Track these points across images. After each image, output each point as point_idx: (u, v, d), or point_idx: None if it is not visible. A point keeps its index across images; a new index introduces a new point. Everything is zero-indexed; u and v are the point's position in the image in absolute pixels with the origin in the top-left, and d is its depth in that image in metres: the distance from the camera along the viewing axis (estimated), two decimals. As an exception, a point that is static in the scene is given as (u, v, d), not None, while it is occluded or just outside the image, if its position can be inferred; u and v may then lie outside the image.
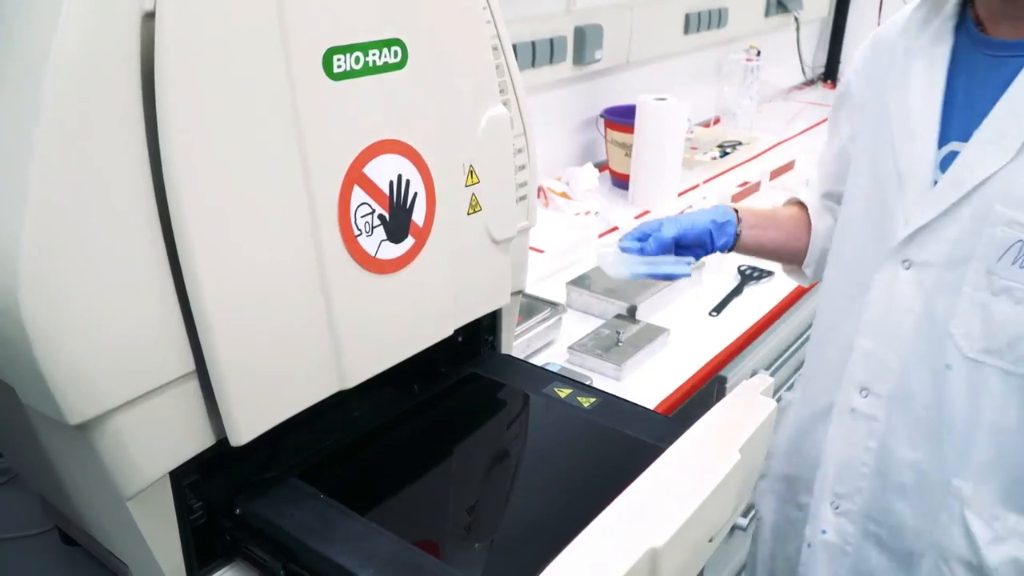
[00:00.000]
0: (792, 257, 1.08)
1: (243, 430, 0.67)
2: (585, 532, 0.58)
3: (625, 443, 0.82)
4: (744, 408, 0.72)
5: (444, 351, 0.88)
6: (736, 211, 1.01)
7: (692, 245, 0.97)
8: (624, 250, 0.94)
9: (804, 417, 1.02)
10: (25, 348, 0.55)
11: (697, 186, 1.89)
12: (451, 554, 0.71)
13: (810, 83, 2.99)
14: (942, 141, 0.82)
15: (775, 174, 2.05)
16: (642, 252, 0.93)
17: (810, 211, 1.06)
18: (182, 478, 0.68)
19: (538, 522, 0.74)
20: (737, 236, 1.00)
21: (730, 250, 1.01)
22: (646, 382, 1.19)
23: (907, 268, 0.85)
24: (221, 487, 0.73)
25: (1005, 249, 0.77)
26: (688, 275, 0.93)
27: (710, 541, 0.68)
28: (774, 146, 2.35)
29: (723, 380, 1.40)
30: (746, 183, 1.98)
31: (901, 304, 0.86)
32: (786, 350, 1.64)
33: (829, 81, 2.99)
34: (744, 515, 1.59)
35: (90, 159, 0.54)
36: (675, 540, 0.58)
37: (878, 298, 0.88)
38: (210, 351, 0.63)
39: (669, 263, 0.93)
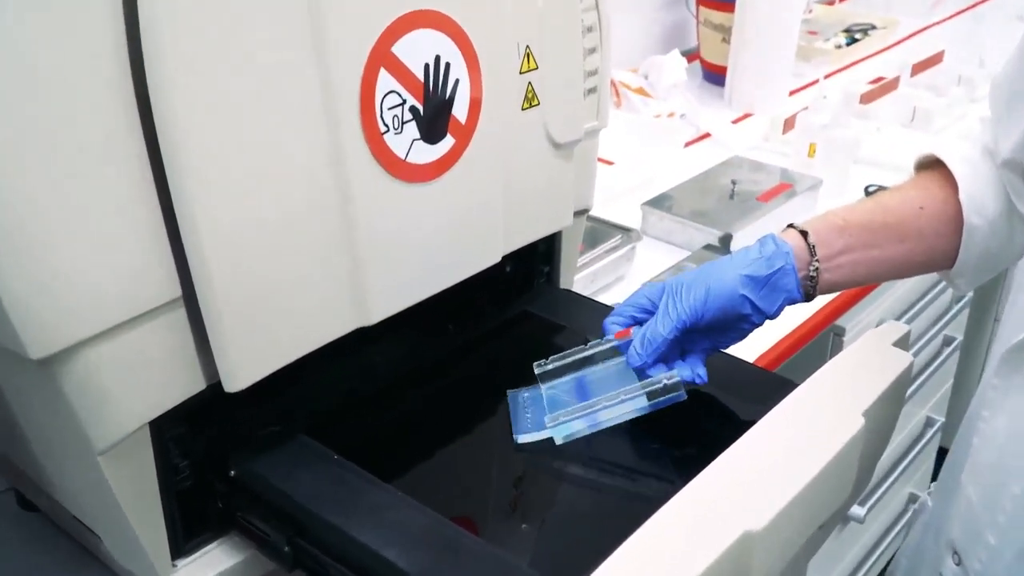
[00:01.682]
0: (929, 268, 0.87)
1: (240, 373, 0.68)
2: (664, 511, 0.58)
3: (716, 403, 0.82)
4: (870, 362, 0.71)
5: (489, 284, 0.88)
6: (804, 235, 0.81)
7: (716, 328, 0.81)
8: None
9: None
10: (-24, 265, 0.56)
11: (815, 82, 1.85)
12: (494, 533, 0.73)
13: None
14: None
15: (918, 68, 1.99)
16: (638, 362, 0.80)
17: (964, 195, 0.83)
18: (165, 430, 0.70)
19: (603, 499, 0.76)
20: (813, 279, 0.82)
21: (808, 299, 0.83)
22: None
23: None
24: (213, 443, 0.75)
25: None
26: (669, 400, 0.78)
27: (820, 528, 0.68)
28: (917, 32, 2.28)
29: (840, 332, 1.39)
30: (880, 79, 1.93)
31: None
32: (924, 295, 1.62)
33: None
34: (862, 504, 1.61)
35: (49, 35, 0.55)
36: (777, 523, 0.58)
37: None
38: (201, 274, 0.64)
39: (616, 402, 0.78)
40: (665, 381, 0.78)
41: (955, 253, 0.84)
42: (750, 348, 1.15)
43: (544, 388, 0.83)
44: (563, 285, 1.01)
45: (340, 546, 0.69)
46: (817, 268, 0.81)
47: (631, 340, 0.81)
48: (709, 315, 0.79)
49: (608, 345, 0.83)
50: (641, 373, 0.81)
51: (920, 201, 0.83)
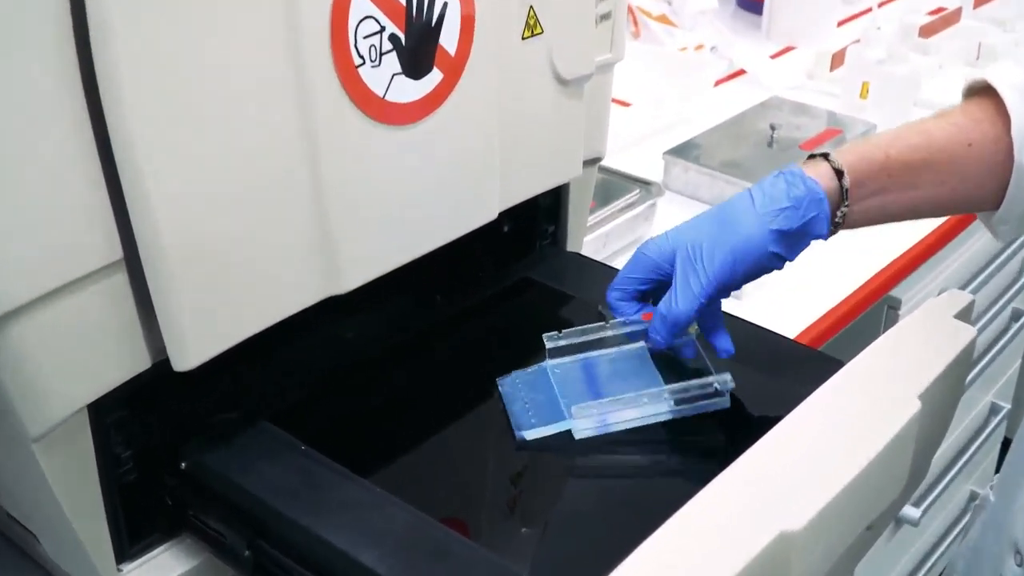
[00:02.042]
0: (968, 209, 0.91)
1: (192, 349, 0.68)
2: (687, 509, 0.59)
3: (750, 385, 0.82)
4: (928, 337, 0.72)
5: (483, 246, 0.88)
6: (840, 173, 0.82)
7: (734, 285, 0.83)
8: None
9: None
10: None
11: (868, 11, 1.84)
12: (490, 537, 0.73)
13: None
14: None
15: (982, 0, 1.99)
16: (661, 344, 0.81)
17: (1016, 131, 0.83)
18: (106, 415, 0.70)
19: (617, 497, 0.76)
20: (838, 224, 0.84)
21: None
22: (781, 302, 1.19)
23: None
24: (161, 431, 0.75)
25: None
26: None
27: (868, 529, 0.68)
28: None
29: (895, 304, 1.39)
30: (940, 10, 1.92)
31: None
32: (990, 262, 1.62)
33: None
34: (917, 504, 1.62)
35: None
36: (818, 523, 0.58)
37: None
38: (145, 233, 0.63)
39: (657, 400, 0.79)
40: (717, 386, 0.79)
41: (1002, 195, 0.84)
42: (790, 322, 1.16)
43: (550, 367, 0.83)
44: (570, 248, 1.01)
45: (309, 550, 0.69)
46: (846, 213, 0.83)
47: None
48: (737, 281, 0.80)
49: (630, 328, 0.83)
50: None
51: (969, 136, 0.83)
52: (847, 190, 0.81)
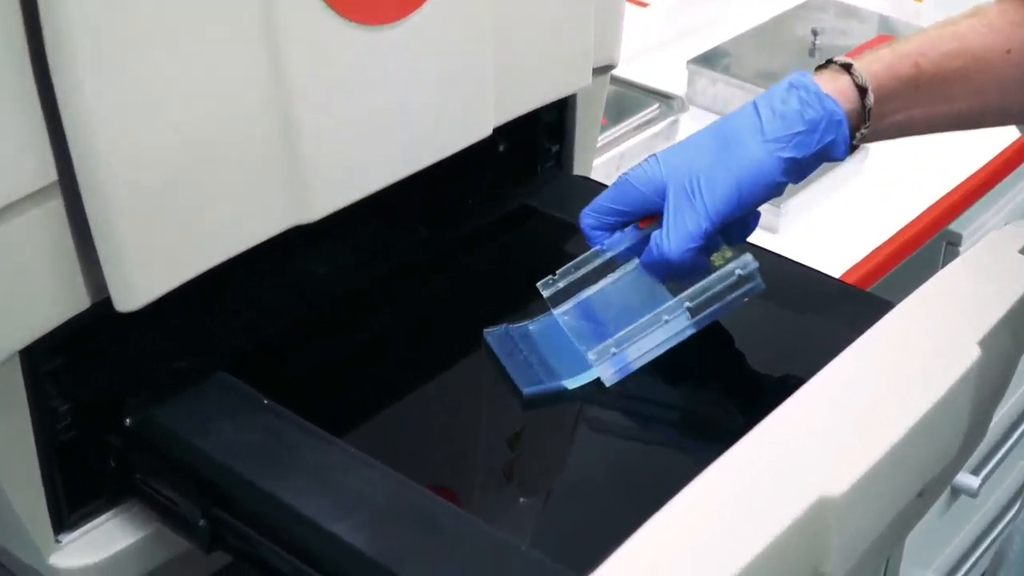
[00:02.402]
0: (1001, 123, 0.94)
1: (138, 287, 0.68)
2: (712, 471, 0.59)
3: (787, 329, 0.83)
4: (989, 275, 0.72)
5: (476, 168, 0.88)
6: (863, 91, 0.82)
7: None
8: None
9: None
10: None
11: None
12: (484, 506, 0.74)
13: None
14: None
15: None
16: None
17: None
18: (40, 363, 0.70)
19: (631, 460, 0.77)
20: (855, 147, 0.85)
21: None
22: (823, 236, 1.20)
23: None
24: (103, 382, 0.75)
25: None
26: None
27: (919, 496, 0.69)
28: None
29: (954, 239, 1.40)
30: None
31: None
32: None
33: None
34: (976, 472, 1.62)
35: None
36: (861, 488, 0.58)
37: None
38: (84, 151, 0.63)
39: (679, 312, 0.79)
40: (739, 271, 0.79)
41: None
42: (835, 260, 1.16)
43: (559, 314, 0.83)
44: (578, 171, 1.01)
45: (273, 519, 0.69)
46: (865, 134, 0.83)
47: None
48: (740, 215, 0.81)
49: (626, 245, 0.82)
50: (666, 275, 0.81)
51: (1008, 41, 0.84)
52: (870, 110, 0.82)
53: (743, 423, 0.63)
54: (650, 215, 0.81)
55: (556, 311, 0.83)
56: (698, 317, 0.79)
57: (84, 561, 0.76)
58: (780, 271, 0.85)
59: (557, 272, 0.83)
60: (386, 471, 0.71)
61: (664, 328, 0.79)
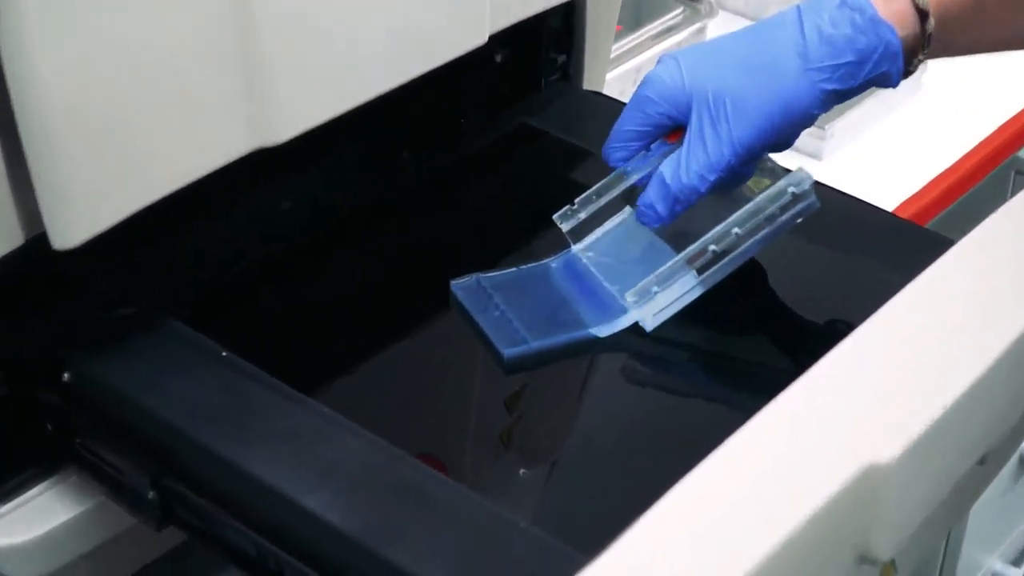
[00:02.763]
0: None
1: (77, 221, 0.68)
2: (742, 435, 0.59)
3: (833, 270, 0.83)
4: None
5: (469, 82, 0.88)
6: (924, 15, 0.82)
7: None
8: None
9: None
10: None
11: None
12: (477, 477, 0.74)
13: None
14: None
15: None
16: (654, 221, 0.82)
17: None
18: (-37, 311, 0.71)
19: (654, 420, 0.77)
20: (909, 72, 0.85)
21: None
22: (874, 164, 1.21)
23: None
24: (38, 332, 0.76)
25: None
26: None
27: (981, 464, 0.69)
28: None
29: (1023, 165, 1.40)
30: None
31: None
32: None
33: None
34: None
35: None
36: (915, 454, 0.59)
37: None
38: (18, 68, 0.63)
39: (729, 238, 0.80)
40: (792, 189, 0.79)
41: None
42: (888, 192, 1.16)
43: (580, 251, 0.84)
44: (588, 85, 1.00)
45: (233, 490, 0.70)
46: (921, 60, 0.84)
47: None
48: (764, 149, 0.82)
49: (654, 166, 0.82)
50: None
51: None
52: (930, 35, 0.82)
53: (778, 379, 0.63)
54: (677, 129, 0.81)
55: (576, 248, 0.84)
56: (746, 245, 0.79)
57: (16, 539, 0.76)
58: (825, 204, 0.85)
59: (576, 201, 0.83)
60: (365, 435, 0.71)
61: (707, 258, 0.79)
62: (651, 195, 0.80)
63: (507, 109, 0.97)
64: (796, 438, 0.60)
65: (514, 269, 0.84)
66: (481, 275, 0.84)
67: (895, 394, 0.61)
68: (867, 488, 0.57)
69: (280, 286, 0.85)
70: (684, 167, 0.79)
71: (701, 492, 0.57)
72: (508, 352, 0.78)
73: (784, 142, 0.82)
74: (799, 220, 0.80)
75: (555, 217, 0.83)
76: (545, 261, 0.84)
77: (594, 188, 0.83)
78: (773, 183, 0.80)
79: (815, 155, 1.20)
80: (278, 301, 0.84)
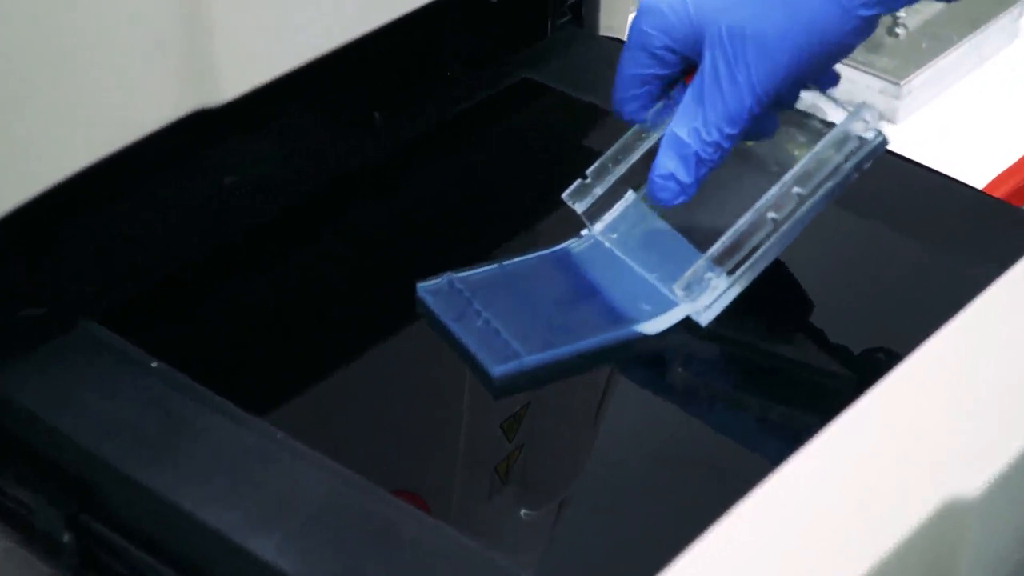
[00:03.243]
0: None
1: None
2: (801, 458, 0.59)
3: (908, 258, 0.83)
4: None
5: (457, 27, 0.88)
6: None
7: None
8: None
9: None
10: None
11: None
12: (465, 518, 0.74)
13: None
14: None
15: None
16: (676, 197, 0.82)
17: None
18: None
19: (687, 446, 0.78)
20: None
21: None
22: (961, 129, 1.21)
23: None
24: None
25: None
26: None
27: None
28: None
29: None
30: None
31: None
32: None
33: None
34: None
35: None
36: (1004, 485, 0.59)
37: None
38: None
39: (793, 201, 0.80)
40: (860, 134, 0.80)
41: None
42: (977, 164, 1.17)
43: (603, 235, 0.84)
44: (604, 30, 1.01)
45: (167, 532, 0.70)
46: None
47: None
48: (798, 88, 0.84)
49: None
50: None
51: None
52: None
53: (840, 394, 0.63)
54: (687, 68, 0.82)
55: (596, 229, 0.84)
56: (811, 203, 0.79)
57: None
58: (900, 178, 0.85)
59: (588, 172, 0.83)
60: (326, 465, 0.71)
61: (764, 235, 0.79)
62: (667, 162, 0.80)
63: (504, 60, 0.97)
64: (865, 467, 0.60)
65: (495, 265, 0.83)
66: (454, 275, 0.83)
67: (982, 415, 0.61)
68: (950, 524, 0.58)
69: (223, 282, 0.85)
70: (702, 120, 0.79)
71: (747, 532, 0.57)
72: (498, 371, 0.77)
73: (814, 80, 0.83)
74: (866, 166, 0.80)
75: (565, 196, 0.83)
76: (540, 253, 0.84)
77: (607, 154, 0.83)
78: (809, 137, 0.81)
79: (888, 117, 1.19)
80: (220, 300, 0.84)
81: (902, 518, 0.57)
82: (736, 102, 0.79)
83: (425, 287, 0.82)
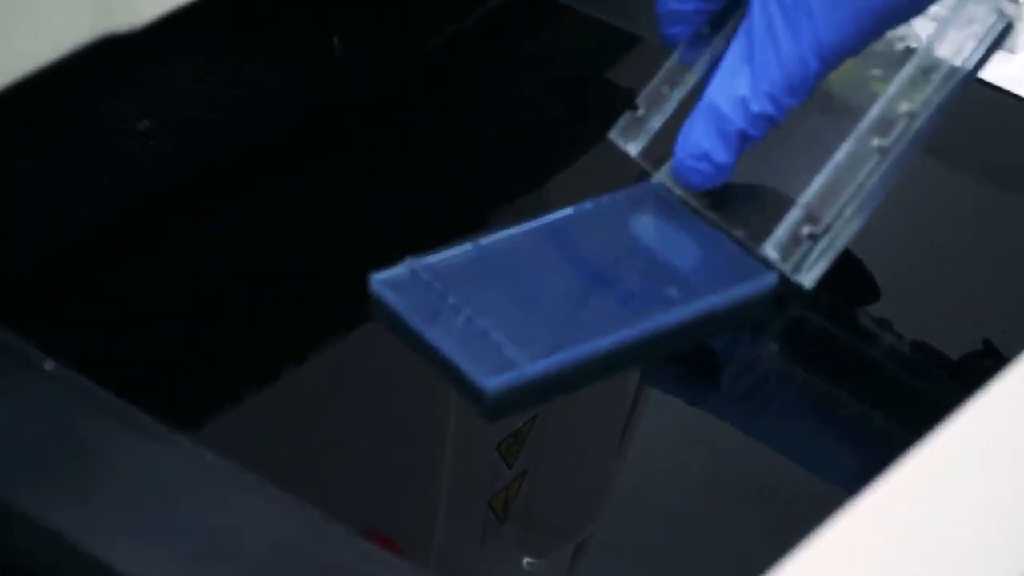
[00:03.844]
0: None
1: None
2: (885, 485, 0.59)
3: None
4: None
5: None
6: None
7: None
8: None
9: None
10: None
11: None
12: (451, 564, 0.75)
13: None
14: None
15: None
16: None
17: None
18: None
19: (737, 472, 0.79)
20: None
21: None
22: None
23: None
24: None
25: None
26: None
27: None
28: None
29: None
30: None
31: None
32: None
33: None
34: None
35: None
36: None
37: None
38: None
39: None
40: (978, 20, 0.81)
41: None
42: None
43: (659, 181, 0.84)
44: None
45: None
46: None
47: None
48: (855, 50, 0.82)
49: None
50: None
51: None
52: None
53: (941, 400, 0.63)
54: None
55: (659, 176, 0.84)
56: (923, 119, 0.81)
57: None
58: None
59: (638, 101, 0.83)
60: (274, 496, 0.69)
61: (870, 168, 0.81)
62: (702, 139, 0.81)
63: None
64: (928, 525, 0.61)
65: (469, 245, 0.82)
66: (417, 261, 0.80)
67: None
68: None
69: (138, 261, 0.84)
70: (750, 85, 0.79)
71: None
72: (492, 384, 0.74)
73: (905, 21, 0.82)
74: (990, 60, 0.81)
75: (613, 134, 0.83)
76: (529, 223, 0.84)
77: (660, 74, 0.83)
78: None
79: (1010, 48, 1.20)
80: (135, 285, 0.83)
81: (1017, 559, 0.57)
82: (796, 63, 0.79)
83: (382, 280, 0.79)
